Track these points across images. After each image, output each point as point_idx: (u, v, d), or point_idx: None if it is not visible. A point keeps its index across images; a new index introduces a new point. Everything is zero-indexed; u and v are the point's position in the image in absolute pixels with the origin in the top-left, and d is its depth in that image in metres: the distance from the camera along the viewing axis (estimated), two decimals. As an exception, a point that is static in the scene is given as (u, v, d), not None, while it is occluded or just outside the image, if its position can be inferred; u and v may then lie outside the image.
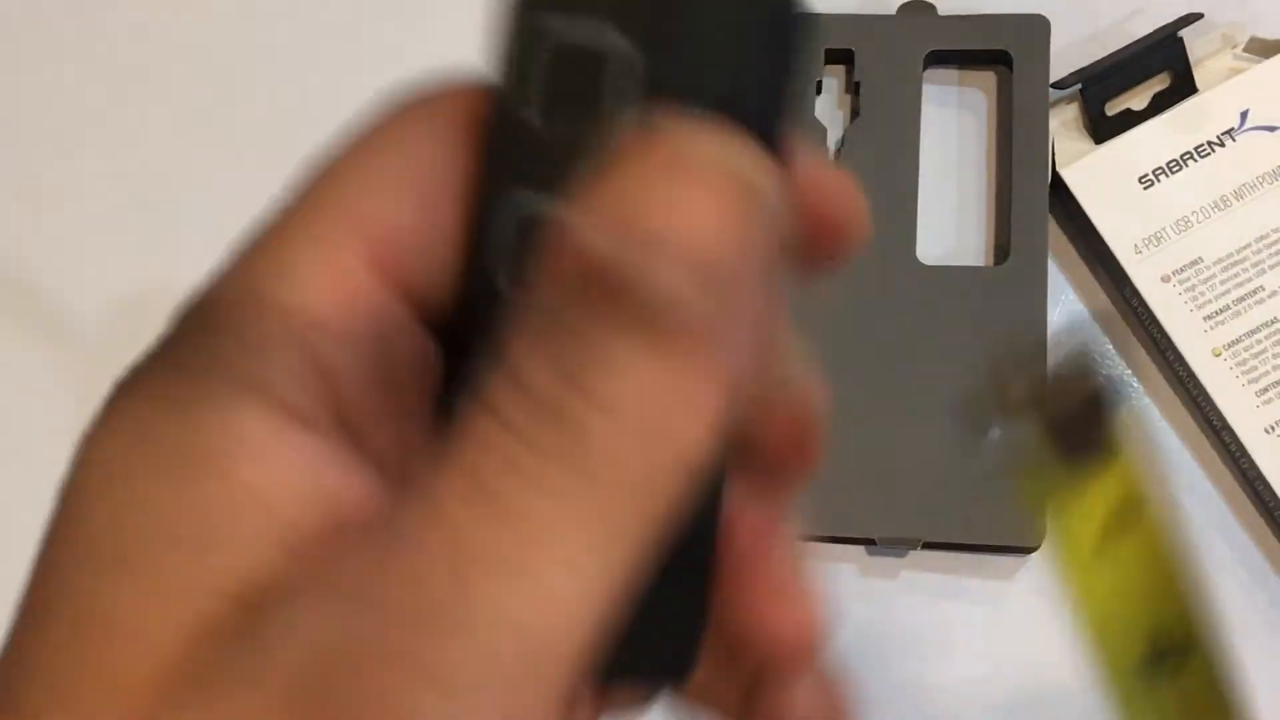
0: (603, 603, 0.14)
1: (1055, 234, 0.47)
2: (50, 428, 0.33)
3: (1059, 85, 0.47)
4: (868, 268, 0.45)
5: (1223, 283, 0.44)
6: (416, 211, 0.17)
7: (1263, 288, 0.44)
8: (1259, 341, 0.44)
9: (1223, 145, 0.46)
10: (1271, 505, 0.43)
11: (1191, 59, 0.46)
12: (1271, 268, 0.44)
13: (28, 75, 0.54)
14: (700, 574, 0.18)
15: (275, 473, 0.15)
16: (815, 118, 0.48)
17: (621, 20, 0.16)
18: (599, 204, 0.14)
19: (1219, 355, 0.44)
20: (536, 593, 0.14)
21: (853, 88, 0.49)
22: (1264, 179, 0.45)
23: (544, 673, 0.14)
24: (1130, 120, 0.46)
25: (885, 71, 0.48)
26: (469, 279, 0.17)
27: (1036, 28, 0.47)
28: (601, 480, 0.14)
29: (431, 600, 0.13)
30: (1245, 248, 0.45)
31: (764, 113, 0.16)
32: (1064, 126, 0.47)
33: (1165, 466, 0.44)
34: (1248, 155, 0.45)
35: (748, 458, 0.19)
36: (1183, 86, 0.46)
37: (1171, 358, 0.45)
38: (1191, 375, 0.44)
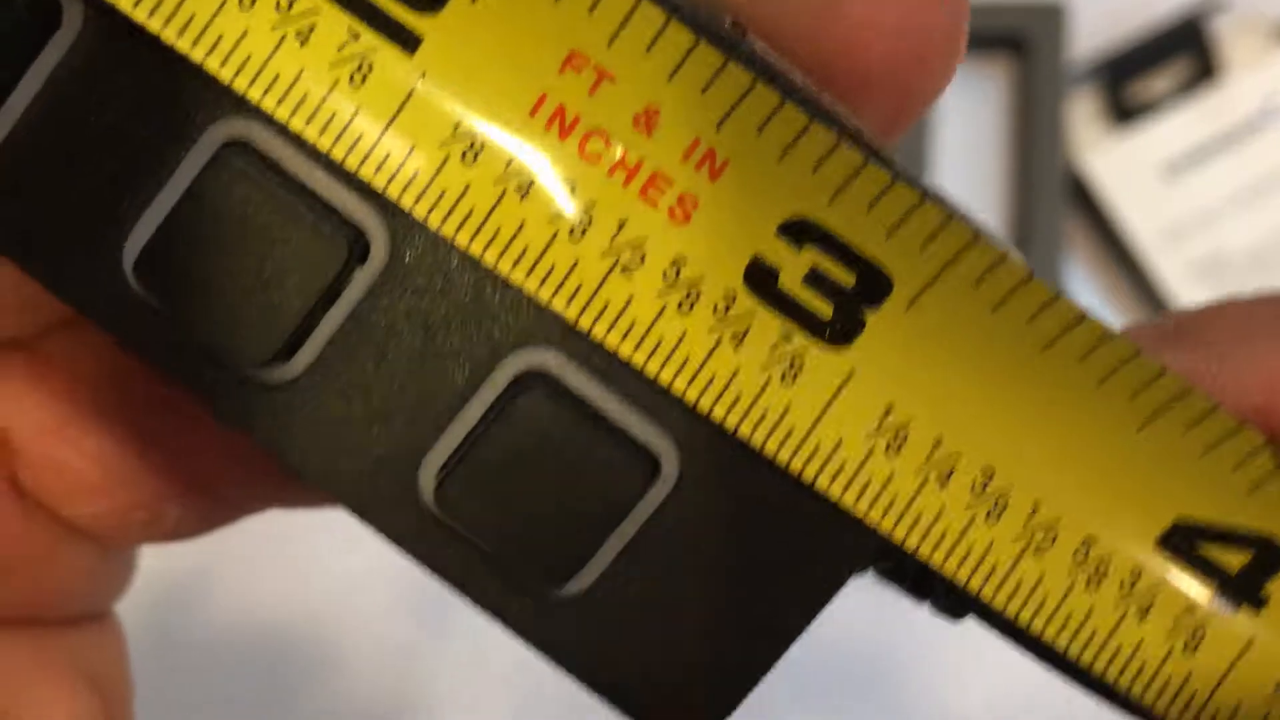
0: None
1: (1074, 226, 0.45)
2: None
3: (1077, 71, 0.45)
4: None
5: (1250, 277, 0.43)
6: None
7: (1291, 282, 0.43)
8: (1290, 339, 0.42)
9: (1249, 134, 0.44)
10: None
11: (1215, 43, 0.45)
12: (1301, 261, 0.43)
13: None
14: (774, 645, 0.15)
15: None
16: (823, 106, 0.47)
17: None
18: None
19: (1246, 353, 0.42)
20: None
21: (861, 74, 0.47)
22: (1293, 168, 0.44)
23: None
24: (1152, 107, 0.45)
25: (895, 57, 0.46)
26: None
27: (1052, 11, 0.46)
28: None
29: None
30: (1273, 241, 0.43)
31: None
32: (1083, 114, 0.45)
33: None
34: (1275, 144, 0.44)
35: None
36: (1206, 72, 0.45)
37: (1197, 356, 0.43)
38: (1218, 374, 0.42)
